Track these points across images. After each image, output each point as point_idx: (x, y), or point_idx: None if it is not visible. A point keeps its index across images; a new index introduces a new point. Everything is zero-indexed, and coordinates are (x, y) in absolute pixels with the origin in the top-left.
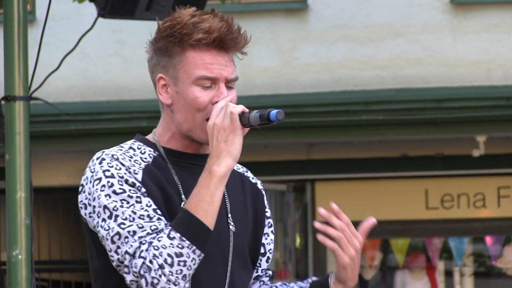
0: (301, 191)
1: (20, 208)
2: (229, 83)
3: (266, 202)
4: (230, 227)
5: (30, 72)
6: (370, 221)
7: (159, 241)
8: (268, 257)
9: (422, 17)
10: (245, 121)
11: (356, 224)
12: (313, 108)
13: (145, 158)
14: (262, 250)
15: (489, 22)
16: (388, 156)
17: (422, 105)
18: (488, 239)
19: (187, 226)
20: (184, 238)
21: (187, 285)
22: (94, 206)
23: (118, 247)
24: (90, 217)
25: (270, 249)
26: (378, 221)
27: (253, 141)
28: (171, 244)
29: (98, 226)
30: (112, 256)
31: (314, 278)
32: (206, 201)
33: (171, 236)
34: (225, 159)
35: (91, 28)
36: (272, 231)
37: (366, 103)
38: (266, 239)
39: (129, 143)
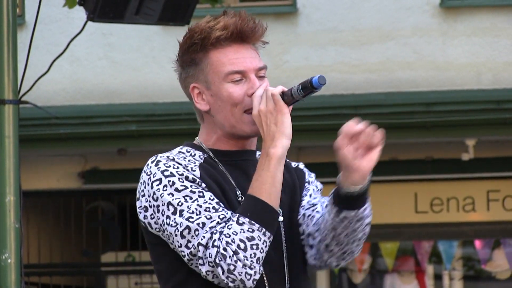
0: None
1: (9, 211)
2: (259, 73)
3: (308, 174)
4: (280, 218)
5: (19, 75)
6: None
7: (230, 228)
8: (308, 203)
9: (412, 21)
10: (288, 98)
11: None
12: (303, 111)
13: (197, 159)
14: (300, 212)
15: (479, 26)
16: (377, 160)
17: (412, 108)
18: (478, 243)
19: (254, 210)
20: (253, 222)
21: (262, 268)
22: (157, 206)
23: (189, 241)
24: (153, 218)
25: (311, 195)
26: None
27: None
28: (241, 229)
29: (164, 224)
30: (182, 251)
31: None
32: (268, 183)
33: (240, 222)
34: (280, 139)
35: (80, 32)
36: (313, 188)
37: (356, 107)
38: (304, 196)
39: (177, 148)
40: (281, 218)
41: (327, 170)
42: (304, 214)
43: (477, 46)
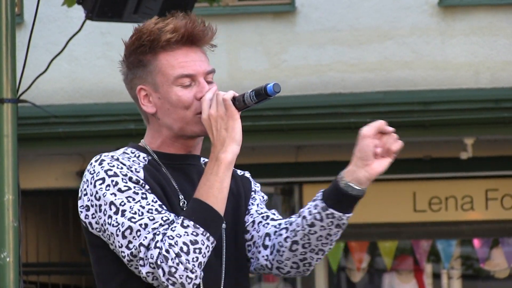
0: (289, 193)
1: (8, 210)
2: (207, 77)
3: (253, 183)
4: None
5: (18, 74)
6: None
7: (173, 230)
8: (257, 212)
9: (411, 20)
10: (240, 104)
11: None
12: (301, 110)
13: (141, 161)
14: (247, 219)
15: (477, 25)
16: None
17: (410, 107)
18: (476, 242)
19: (200, 214)
20: (197, 225)
21: (202, 273)
22: (99, 205)
23: (130, 241)
24: (94, 217)
25: (258, 204)
26: (366, 223)
27: (241, 144)
28: (185, 232)
29: (105, 224)
30: (123, 251)
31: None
32: (216, 188)
33: (184, 224)
34: (230, 145)
35: (79, 31)
36: (259, 198)
37: (354, 106)
38: (251, 205)
39: (122, 149)
40: (224, 225)
41: (325, 168)
42: (254, 221)
43: (476, 45)
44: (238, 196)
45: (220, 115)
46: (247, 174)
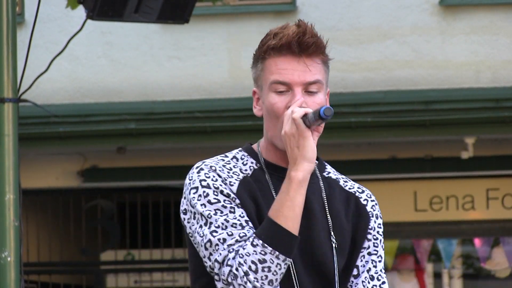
0: None
1: (9, 210)
2: (308, 87)
3: (372, 223)
4: (333, 244)
5: (19, 74)
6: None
7: (244, 249)
8: (366, 278)
9: (411, 19)
10: (308, 123)
11: None
12: None
13: (245, 170)
14: (355, 272)
15: (478, 24)
16: (377, 158)
17: (411, 107)
18: (477, 241)
19: (268, 233)
20: (265, 245)
21: None
22: (194, 213)
23: (210, 254)
24: (189, 222)
25: (369, 269)
26: None
27: (242, 143)
28: (254, 251)
29: (195, 232)
30: (205, 262)
31: None
32: (286, 206)
33: (254, 243)
34: (301, 164)
35: (80, 30)
36: (369, 252)
37: (355, 105)
38: (361, 260)
39: (234, 151)
40: (335, 245)
41: None
42: (358, 276)
43: (476, 44)
44: (354, 229)
45: (292, 133)
46: (371, 208)
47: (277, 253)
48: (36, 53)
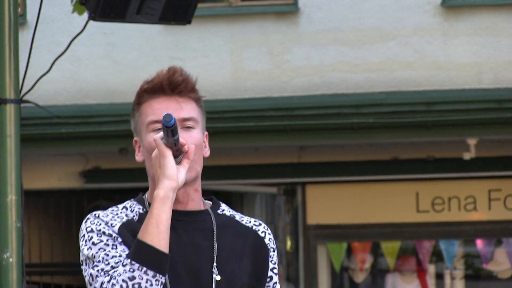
0: (292, 194)
1: (11, 211)
2: (183, 123)
3: (272, 258)
4: (214, 276)
5: (21, 75)
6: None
7: (115, 271)
8: None
9: (413, 20)
10: (165, 141)
11: (346, 227)
12: (304, 111)
13: (132, 216)
14: None
15: (480, 25)
16: (379, 159)
17: (413, 108)
18: (479, 242)
19: (135, 251)
20: (133, 262)
21: None
22: (84, 260)
23: (94, 287)
24: (85, 271)
25: None
26: (369, 224)
27: (244, 144)
28: (124, 270)
29: (85, 276)
30: None
31: None
32: (150, 224)
33: (124, 263)
34: (162, 181)
35: (82, 31)
36: (274, 284)
37: (357, 106)
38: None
39: (126, 202)
40: (218, 278)
41: (328, 169)
42: None
43: (478, 45)
44: (255, 263)
45: (156, 155)
46: (268, 241)
47: (144, 268)
48: (38, 54)
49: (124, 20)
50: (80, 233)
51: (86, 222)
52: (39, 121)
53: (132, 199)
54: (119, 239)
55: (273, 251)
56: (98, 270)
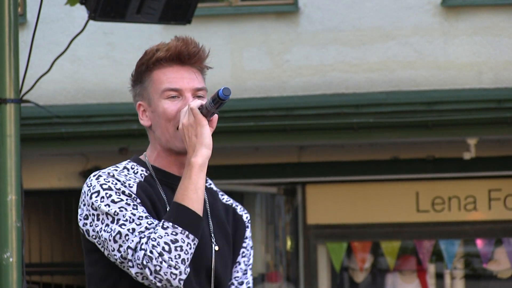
0: (292, 193)
1: (11, 210)
2: (196, 93)
3: (247, 233)
4: (213, 246)
5: (21, 74)
6: None
7: (155, 233)
8: (238, 279)
9: (413, 20)
10: (205, 111)
11: (346, 227)
12: (304, 111)
13: (138, 177)
14: (233, 276)
15: (480, 25)
16: (379, 159)
17: (413, 108)
18: (479, 242)
19: (177, 214)
20: (176, 225)
21: (188, 269)
22: (97, 215)
23: (120, 245)
24: (91, 225)
25: (237, 277)
26: (369, 224)
27: (244, 144)
28: (166, 233)
29: (101, 231)
30: (115, 255)
31: None
32: (190, 190)
33: (164, 226)
34: (200, 150)
35: (82, 31)
36: (245, 262)
37: (357, 106)
38: (235, 267)
39: (124, 163)
40: (216, 248)
41: (328, 169)
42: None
43: (478, 45)
44: (234, 237)
45: (190, 123)
46: (246, 219)
47: (187, 232)
48: (38, 54)
49: (124, 20)
50: (90, 189)
51: (98, 179)
52: (39, 121)
53: (129, 161)
54: (138, 200)
55: (249, 229)
56: (129, 229)
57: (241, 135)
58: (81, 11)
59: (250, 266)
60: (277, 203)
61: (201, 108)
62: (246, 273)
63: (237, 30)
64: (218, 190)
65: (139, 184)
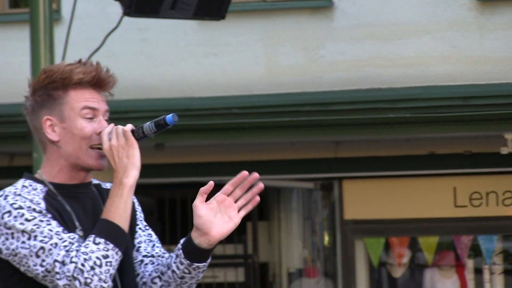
0: (329, 189)
1: None
2: (105, 115)
3: (139, 214)
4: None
5: None
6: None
7: (86, 247)
8: (146, 248)
9: (449, 14)
10: (139, 135)
11: (383, 222)
12: (339, 106)
13: (39, 192)
14: (135, 256)
15: None
16: (415, 154)
17: (449, 102)
18: None
19: (109, 232)
20: (108, 242)
21: (112, 283)
22: (11, 233)
23: (43, 260)
24: (4, 244)
25: (140, 241)
26: (406, 219)
27: (280, 139)
28: (98, 248)
29: (17, 248)
30: (37, 269)
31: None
32: (121, 208)
33: (96, 241)
34: (132, 171)
35: (116, 27)
36: (141, 228)
37: (393, 101)
38: (137, 238)
39: (20, 182)
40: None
41: (364, 164)
42: (142, 261)
43: None
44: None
45: (121, 145)
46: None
47: (117, 249)
48: (73, 50)
49: (158, 16)
50: (1, 209)
51: (6, 199)
52: None
53: (24, 179)
54: (49, 215)
55: (139, 210)
56: (51, 244)
57: (277, 130)
58: (115, 7)
59: (147, 227)
60: (314, 199)
61: (133, 131)
62: (151, 239)
63: (272, 25)
64: (99, 182)
65: (45, 199)
